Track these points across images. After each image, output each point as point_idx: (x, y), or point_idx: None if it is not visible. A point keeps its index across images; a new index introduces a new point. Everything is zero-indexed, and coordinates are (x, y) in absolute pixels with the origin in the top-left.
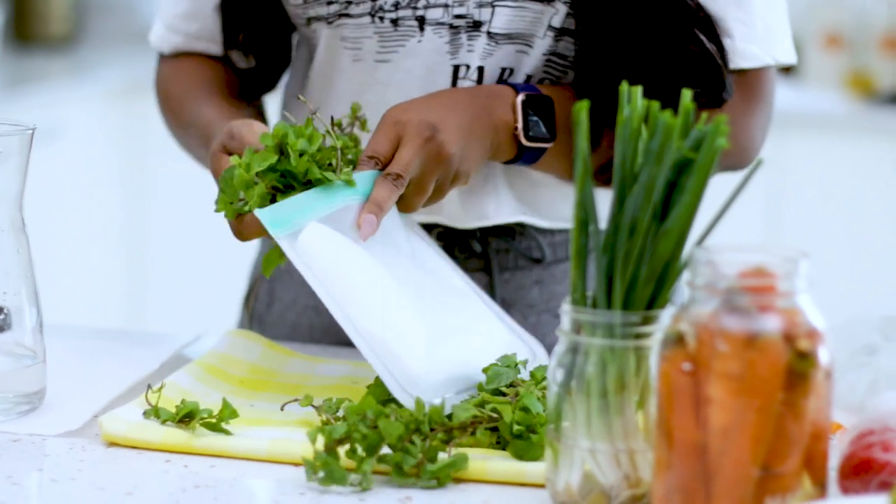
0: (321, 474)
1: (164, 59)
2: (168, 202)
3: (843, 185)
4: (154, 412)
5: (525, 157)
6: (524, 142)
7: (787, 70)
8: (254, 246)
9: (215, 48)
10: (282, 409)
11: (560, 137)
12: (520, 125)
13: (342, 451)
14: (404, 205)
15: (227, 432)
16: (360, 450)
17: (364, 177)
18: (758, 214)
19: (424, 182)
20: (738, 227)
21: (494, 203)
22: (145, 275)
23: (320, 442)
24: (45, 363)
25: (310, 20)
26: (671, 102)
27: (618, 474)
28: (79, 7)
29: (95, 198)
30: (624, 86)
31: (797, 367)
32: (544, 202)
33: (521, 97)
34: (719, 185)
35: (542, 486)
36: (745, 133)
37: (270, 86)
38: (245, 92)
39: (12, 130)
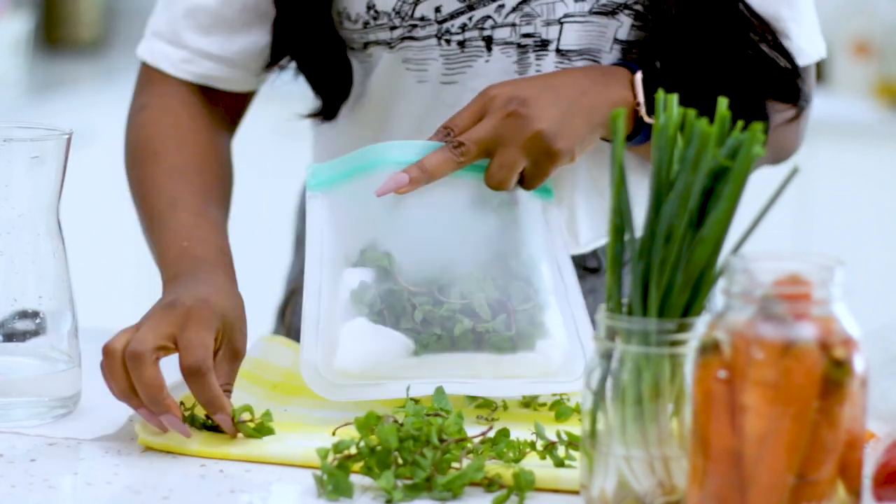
0: (330, 488)
1: (156, 89)
2: None
3: (872, 193)
4: (189, 418)
5: (643, 134)
6: (647, 118)
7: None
8: (288, 253)
9: (240, 80)
10: (333, 434)
11: None
12: (641, 100)
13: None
14: (491, 179)
15: (270, 430)
16: (374, 466)
17: (430, 147)
18: (787, 221)
19: (508, 157)
20: (767, 234)
21: (571, 237)
22: None
23: (330, 457)
24: (80, 367)
25: (367, 45)
26: (743, 113)
27: (652, 481)
28: (108, 12)
29: (124, 203)
30: (660, 93)
31: (833, 375)
32: None
33: (639, 75)
34: (752, 192)
35: (576, 492)
36: (790, 132)
37: (330, 115)
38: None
39: (49, 135)
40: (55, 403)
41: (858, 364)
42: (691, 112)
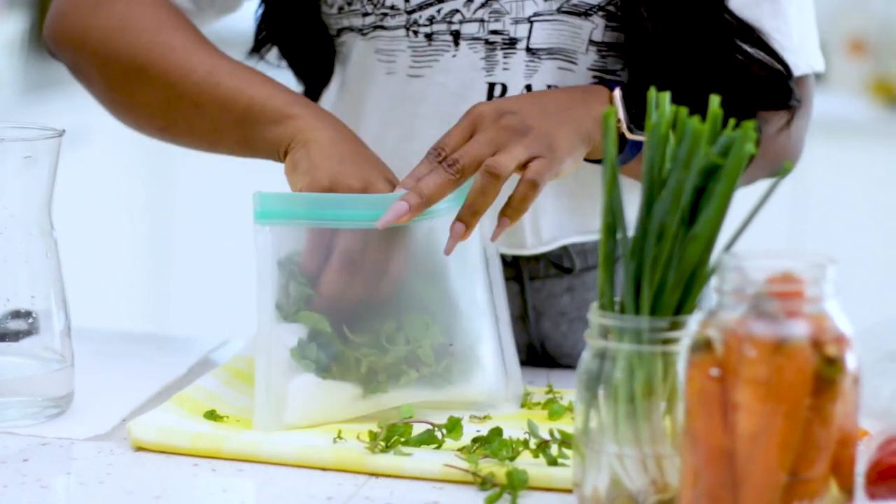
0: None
1: None
2: (192, 206)
3: (867, 191)
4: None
5: (627, 151)
6: (628, 134)
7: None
8: None
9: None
10: (339, 435)
11: None
12: (622, 116)
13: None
14: (494, 166)
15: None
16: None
17: (389, 200)
18: (782, 219)
19: (514, 151)
20: (762, 232)
21: (533, 234)
22: (169, 278)
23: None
24: (73, 367)
25: (340, 31)
26: (731, 113)
27: (645, 479)
28: None
29: (119, 202)
30: (652, 91)
31: (825, 373)
32: (588, 215)
33: (617, 91)
34: (745, 190)
35: (569, 490)
36: (786, 141)
37: (312, 100)
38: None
39: (41, 134)
40: (48, 403)
41: (851, 361)
42: (683, 110)
